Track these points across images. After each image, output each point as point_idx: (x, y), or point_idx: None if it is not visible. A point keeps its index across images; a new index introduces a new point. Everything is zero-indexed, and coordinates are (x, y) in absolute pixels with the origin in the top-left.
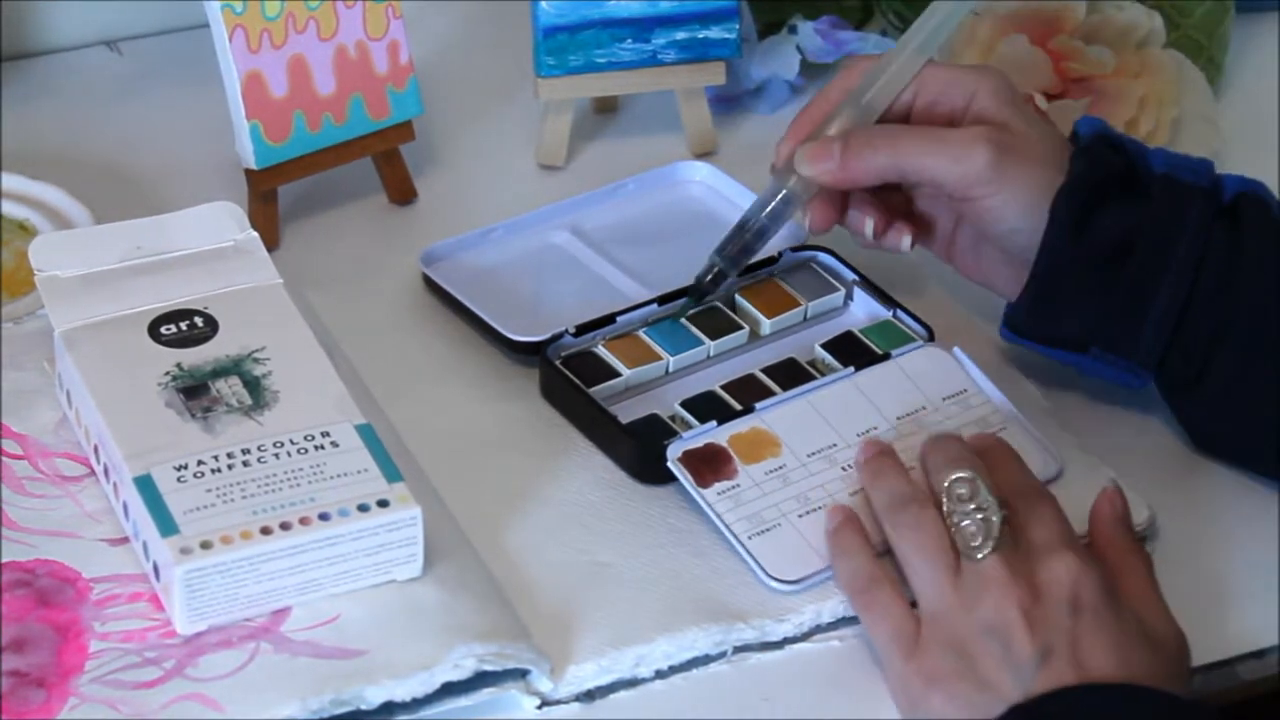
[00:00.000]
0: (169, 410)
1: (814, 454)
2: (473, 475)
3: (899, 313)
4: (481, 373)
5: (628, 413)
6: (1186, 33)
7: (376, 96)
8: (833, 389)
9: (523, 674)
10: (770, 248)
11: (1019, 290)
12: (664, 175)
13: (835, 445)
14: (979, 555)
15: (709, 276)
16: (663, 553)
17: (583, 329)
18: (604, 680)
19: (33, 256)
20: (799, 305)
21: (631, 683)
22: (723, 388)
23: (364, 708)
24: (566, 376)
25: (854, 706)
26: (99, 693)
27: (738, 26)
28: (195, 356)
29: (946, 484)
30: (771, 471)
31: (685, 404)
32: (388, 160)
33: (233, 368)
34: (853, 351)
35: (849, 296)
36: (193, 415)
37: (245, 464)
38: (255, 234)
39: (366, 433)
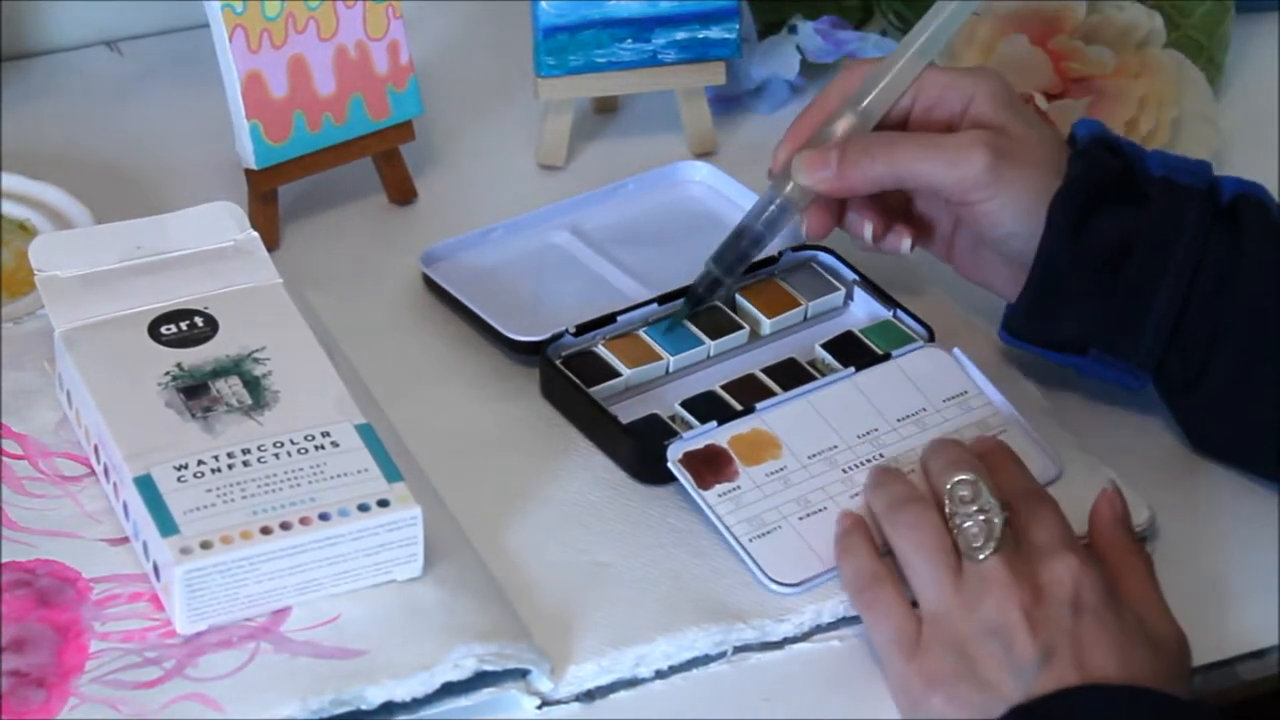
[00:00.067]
0: (169, 410)
1: (815, 455)
2: (473, 475)
3: (899, 313)
4: (481, 373)
5: (628, 413)
6: (1186, 33)
7: (376, 96)
8: (833, 389)
9: (523, 674)
10: (771, 247)
11: (1018, 291)
12: (664, 175)
13: (836, 447)
14: (980, 556)
15: (705, 284)
16: (663, 553)
17: (583, 329)
18: (604, 680)
19: (33, 256)
20: (799, 305)
21: (631, 683)
22: (723, 388)
23: (364, 708)
24: (567, 376)
25: (854, 706)
26: (99, 693)
27: (738, 26)
28: (195, 356)
29: (948, 486)
30: (772, 473)
31: (685, 404)
32: (388, 160)
33: (233, 368)
34: (853, 352)
35: (849, 296)
36: (193, 415)
37: (245, 464)
38: (255, 234)
39: (366, 433)
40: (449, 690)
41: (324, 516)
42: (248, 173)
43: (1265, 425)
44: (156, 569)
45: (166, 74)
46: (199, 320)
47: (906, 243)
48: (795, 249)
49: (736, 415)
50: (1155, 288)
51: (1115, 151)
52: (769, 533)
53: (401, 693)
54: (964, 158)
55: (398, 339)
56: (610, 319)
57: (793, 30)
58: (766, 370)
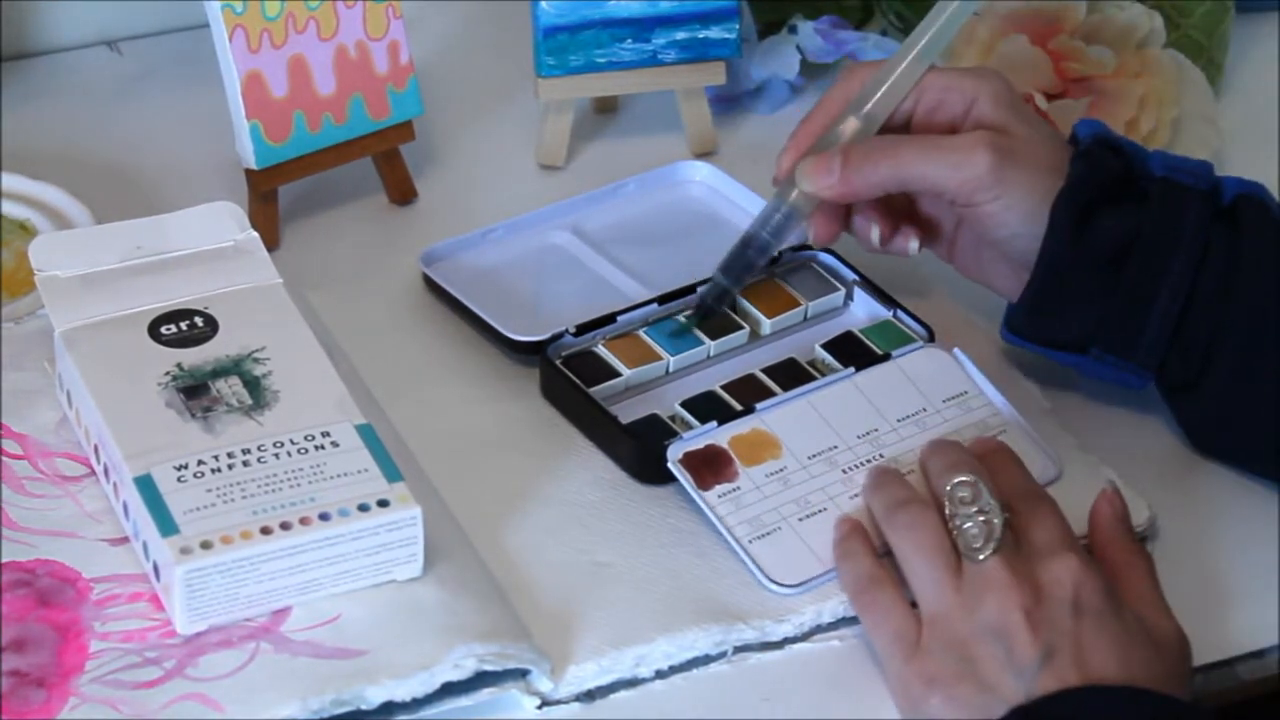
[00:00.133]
0: (169, 410)
1: (814, 456)
2: (473, 475)
3: (899, 313)
4: (481, 373)
5: (628, 413)
6: (1186, 33)
7: (377, 96)
8: (833, 389)
9: (523, 674)
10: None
11: (1019, 290)
12: (664, 175)
13: (836, 447)
14: (980, 557)
15: (714, 295)
16: (663, 553)
17: (583, 329)
18: (604, 680)
19: (33, 256)
20: (799, 305)
21: (631, 683)
22: (723, 388)
23: (364, 708)
24: (567, 376)
25: (854, 706)
26: (99, 693)
27: (738, 26)
28: (195, 356)
29: (948, 488)
30: (772, 474)
31: (685, 404)
32: (388, 160)
33: (233, 368)
34: (853, 352)
35: (849, 296)
36: (193, 415)
37: (245, 464)
38: (255, 234)
39: (366, 432)
40: (449, 690)
41: (324, 516)
42: (248, 173)
43: (1266, 425)
44: (156, 569)
45: (166, 74)
46: (199, 320)
47: (914, 244)
48: (795, 249)
49: (736, 415)
50: (1156, 288)
51: (1117, 152)
52: (769, 534)
53: (402, 693)
54: (967, 159)
55: (398, 339)
56: (610, 319)
57: (793, 30)
58: (766, 370)
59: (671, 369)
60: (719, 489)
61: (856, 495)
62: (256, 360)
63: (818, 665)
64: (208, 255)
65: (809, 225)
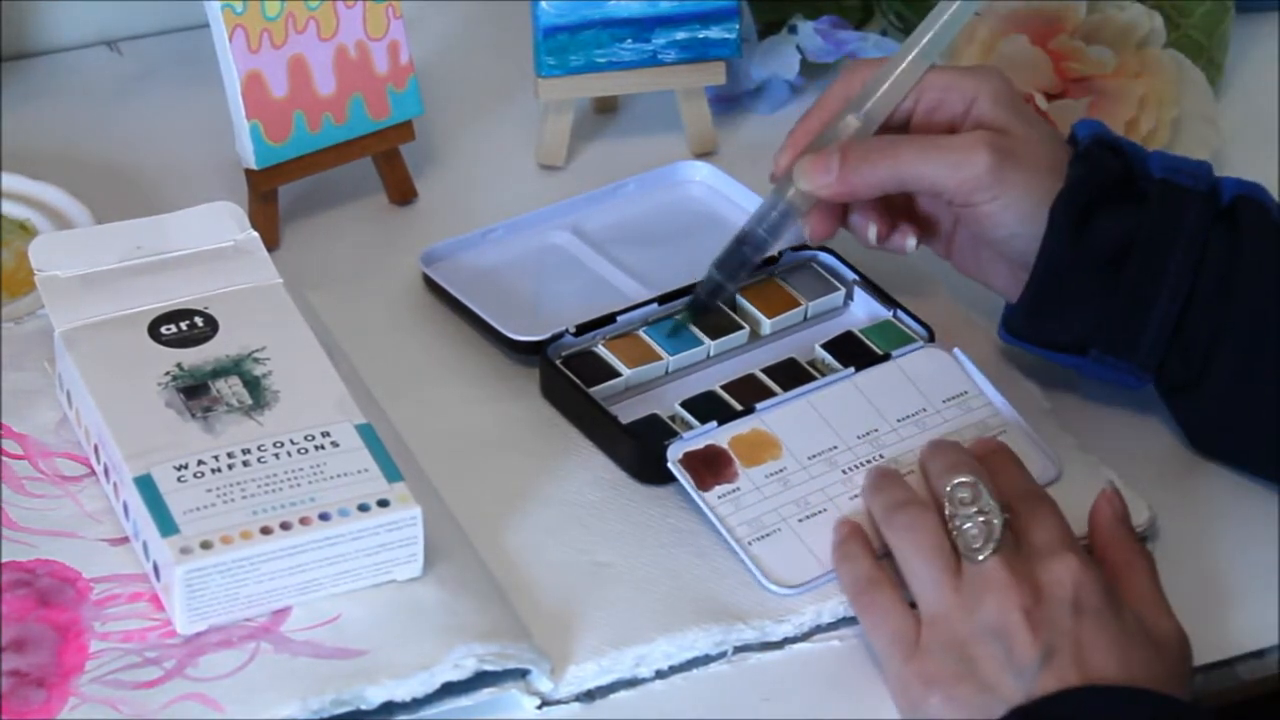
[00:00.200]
0: (169, 410)
1: (814, 456)
2: (473, 475)
3: (899, 313)
4: (481, 373)
5: (628, 413)
6: (1186, 33)
7: (377, 96)
8: (833, 389)
9: (523, 674)
10: (776, 248)
11: (1017, 290)
12: (664, 175)
13: (835, 447)
14: (980, 557)
15: (708, 290)
16: (663, 553)
17: (583, 329)
18: (604, 680)
19: (33, 256)
20: (799, 305)
21: (631, 683)
22: (723, 388)
23: (364, 708)
24: (567, 376)
25: (854, 706)
26: (99, 693)
27: (738, 26)
28: (195, 356)
29: (948, 488)
30: (772, 474)
31: (685, 404)
32: (388, 160)
33: (233, 368)
34: (853, 352)
35: (849, 296)
36: (193, 415)
37: (245, 464)
38: (255, 234)
39: (367, 432)
40: (449, 690)
41: (324, 516)
42: (248, 173)
43: (1265, 426)
44: (156, 569)
45: (166, 74)
46: (199, 320)
47: (911, 241)
48: (795, 249)
49: (736, 415)
50: (1156, 289)
51: (1116, 152)
52: (769, 535)
53: (402, 693)
54: (966, 159)
55: (398, 339)
56: (610, 319)
57: (793, 30)
58: (766, 370)
59: (671, 369)
60: (719, 490)
61: (856, 496)
62: (256, 360)
63: (818, 665)
64: (208, 255)
65: (805, 222)
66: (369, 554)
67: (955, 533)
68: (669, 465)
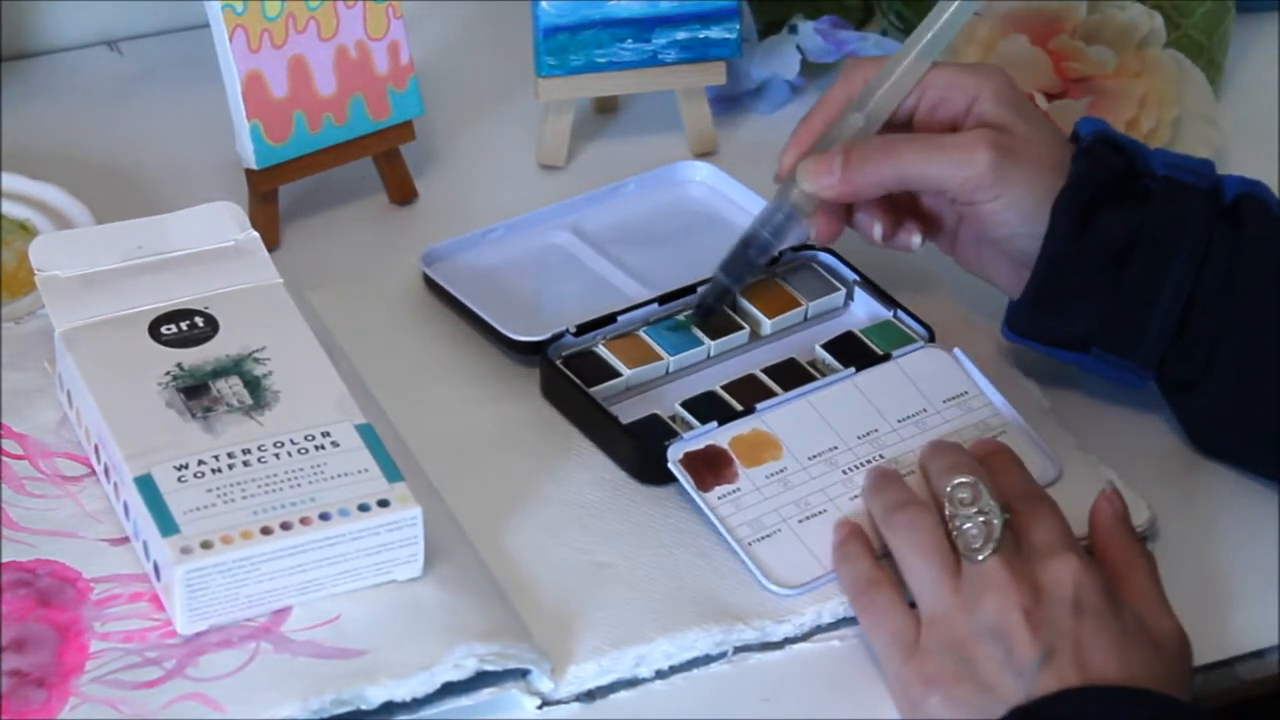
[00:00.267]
0: (169, 410)
1: (815, 457)
2: (473, 475)
3: (899, 313)
4: (482, 373)
5: (628, 413)
6: (1186, 33)
7: (377, 96)
8: (833, 390)
9: (523, 674)
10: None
11: (1020, 287)
12: (664, 175)
13: (836, 448)
14: (980, 557)
15: (715, 294)
16: (663, 553)
17: (583, 328)
18: (604, 680)
19: (33, 256)
20: (799, 305)
21: (632, 683)
22: (723, 388)
23: (364, 708)
24: (567, 376)
25: (854, 706)
26: (99, 692)
27: (738, 26)
28: (196, 356)
29: (948, 489)
30: (772, 475)
31: (686, 404)
32: (388, 160)
33: (233, 367)
34: (853, 352)
35: (849, 296)
36: (193, 415)
37: (246, 464)
38: (255, 234)
39: (367, 432)
40: (449, 690)
41: (324, 516)
42: (248, 173)
43: (1267, 425)
44: (157, 569)
45: (166, 74)
46: (199, 320)
47: (916, 239)
48: (796, 249)
49: (737, 415)
50: (1158, 287)
51: (1118, 150)
52: (769, 535)
53: (402, 693)
54: (968, 158)
55: (398, 339)
56: (611, 319)
57: (793, 30)
58: (767, 370)
59: (671, 369)
60: (719, 490)
61: (857, 496)
62: (257, 360)
63: (818, 665)
64: (208, 255)
65: (810, 224)
66: (369, 554)
67: (955, 533)
68: (669, 465)
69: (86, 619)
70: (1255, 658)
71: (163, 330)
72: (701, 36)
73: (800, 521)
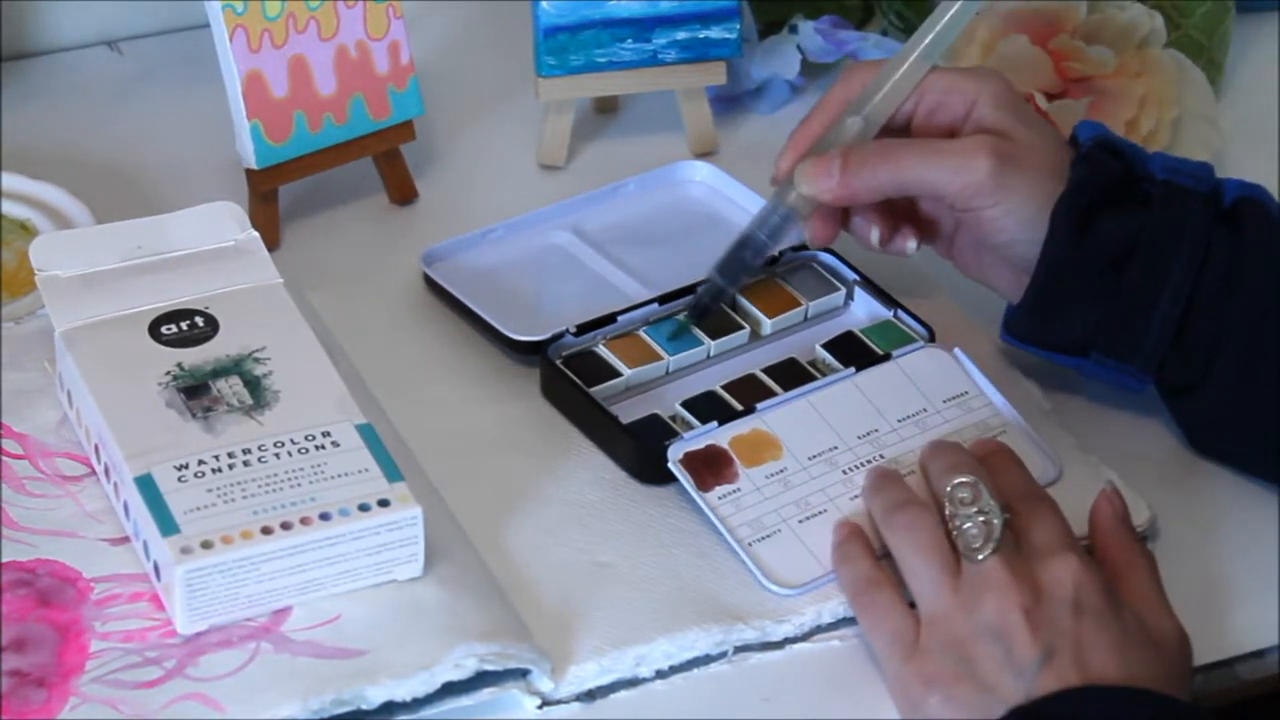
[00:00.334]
0: (170, 410)
1: (815, 457)
2: (473, 475)
3: (900, 313)
4: (482, 373)
5: (628, 413)
6: (1187, 33)
7: (377, 96)
8: (834, 389)
9: (523, 674)
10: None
11: (1019, 292)
12: (664, 175)
13: (836, 448)
14: (980, 557)
15: (710, 295)
16: (663, 553)
17: (583, 328)
18: (604, 680)
19: (33, 256)
20: (800, 305)
21: (632, 683)
22: (723, 388)
23: (365, 707)
24: (567, 376)
25: (854, 706)
26: (100, 692)
27: (738, 26)
28: (196, 356)
29: (949, 488)
30: (772, 475)
31: (686, 404)
32: (388, 160)
33: (233, 367)
34: (853, 352)
35: (850, 296)
36: (193, 415)
37: (246, 464)
38: (255, 234)
39: (367, 432)
40: (450, 690)
41: (324, 516)
42: (248, 173)
43: (1266, 428)
44: (157, 569)
45: (166, 74)
46: (199, 320)
47: (912, 244)
48: (796, 249)
49: (737, 415)
50: (1158, 291)
51: (1117, 154)
52: (769, 536)
53: (402, 692)
54: (967, 163)
55: (398, 339)
56: (611, 319)
57: (793, 30)
58: (767, 370)
59: (671, 369)
60: (719, 490)
61: (857, 496)
62: (257, 360)
63: (818, 665)
64: (208, 255)
65: (807, 226)
66: (369, 554)
67: (955, 533)
68: (669, 465)
69: (86, 619)
70: (1255, 658)
71: (163, 330)
72: (701, 36)
73: (800, 521)
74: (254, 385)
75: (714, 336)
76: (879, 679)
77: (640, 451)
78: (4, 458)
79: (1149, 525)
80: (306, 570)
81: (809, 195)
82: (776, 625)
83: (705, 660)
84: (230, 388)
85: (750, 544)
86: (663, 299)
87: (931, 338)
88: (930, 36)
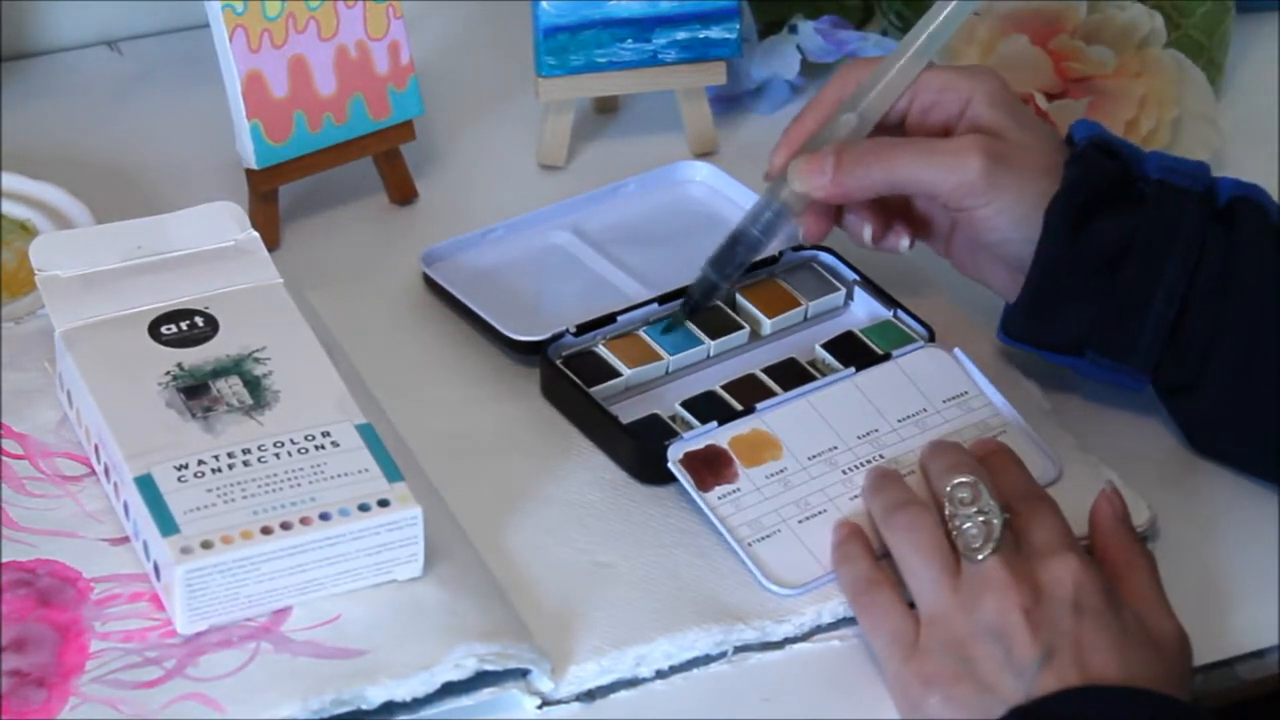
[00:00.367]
0: (169, 410)
1: (814, 457)
2: (473, 475)
3: (900, 313)
4: (481, 373)
5: (628, 413)
6: (1187, 33)
7: (377, 96)
8: (833, 389)
9: (523, 674)
10: (770, 247)
11: (1015, 290)
12: (664, 175)
13: (836, 448)
14: (979, 557)
15: (702, 290)
16: (663, 553)
17: (583, 328)
18: (604, 680)
19: (33, 256)
20: (799, 305)
21: (632, 683)
22: (723, 388)
23: (365, 707)
24: (567, 376)
25: (854, 706)
26: (100, 692)
27: (738, 26)
28: (196, 356)
29: (948, 488)
30: (772, 475)
31: (686, 404)
32: (388, 160)
33: (233, 367)
34: (853, 351)
35: (849, 296)
36: (193, 415)
37: (246, 464)
38: (255, 234)
39: (367, 432)
40: (450, 690)
41: (324, 516)
42: (248, 173)
43: (1263, 427)
44: (157, 569)
45: (166, 74)
46: (199, 320)
47: (905, 242)
48: (795, 249)
49: (737, 415)
50: (1153, 290)
51: (1112, 154)
52: (769, 536)
53: (402, 692)
54: (960, 162)
55: (398, 339)
56: (610, 319)
57: (793, 30)
58: (767, 370)
59: (671, 369)
60: (719, 490)
61: (856, 496)
62: (257, 360)
63: (818, 665)
64: (208, 255)
65: (800, 222)
66: (369, 554)
67: (955, 533)
68: (669, 465)
69: (86, 619)
70: (1255, 658)
71: (163, 330)
72: (701, 36)
73: (800, 521)
74: (254, 385)
75: (714, 336)
76: (879, 679)
77: (640, 451)
78: (4, 458)
79: (1149, 525)
80: (306, 570)
81: (802, 192)
82: (776, 625)
83: (705, 660)
84: (230, 388)
85: (750, 544)
86: (663, 299)
87: (931, 338)
88: (926, 34)
